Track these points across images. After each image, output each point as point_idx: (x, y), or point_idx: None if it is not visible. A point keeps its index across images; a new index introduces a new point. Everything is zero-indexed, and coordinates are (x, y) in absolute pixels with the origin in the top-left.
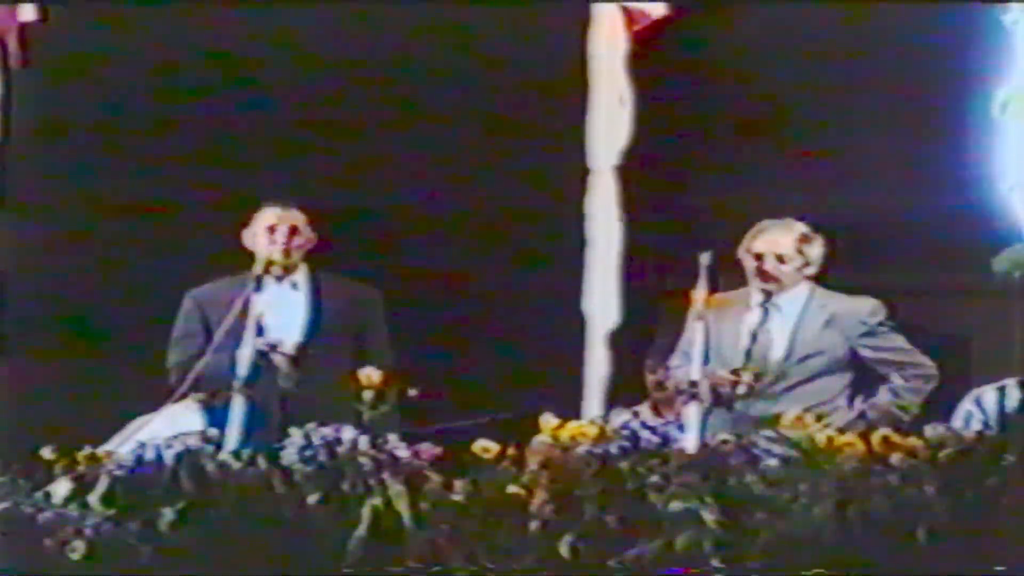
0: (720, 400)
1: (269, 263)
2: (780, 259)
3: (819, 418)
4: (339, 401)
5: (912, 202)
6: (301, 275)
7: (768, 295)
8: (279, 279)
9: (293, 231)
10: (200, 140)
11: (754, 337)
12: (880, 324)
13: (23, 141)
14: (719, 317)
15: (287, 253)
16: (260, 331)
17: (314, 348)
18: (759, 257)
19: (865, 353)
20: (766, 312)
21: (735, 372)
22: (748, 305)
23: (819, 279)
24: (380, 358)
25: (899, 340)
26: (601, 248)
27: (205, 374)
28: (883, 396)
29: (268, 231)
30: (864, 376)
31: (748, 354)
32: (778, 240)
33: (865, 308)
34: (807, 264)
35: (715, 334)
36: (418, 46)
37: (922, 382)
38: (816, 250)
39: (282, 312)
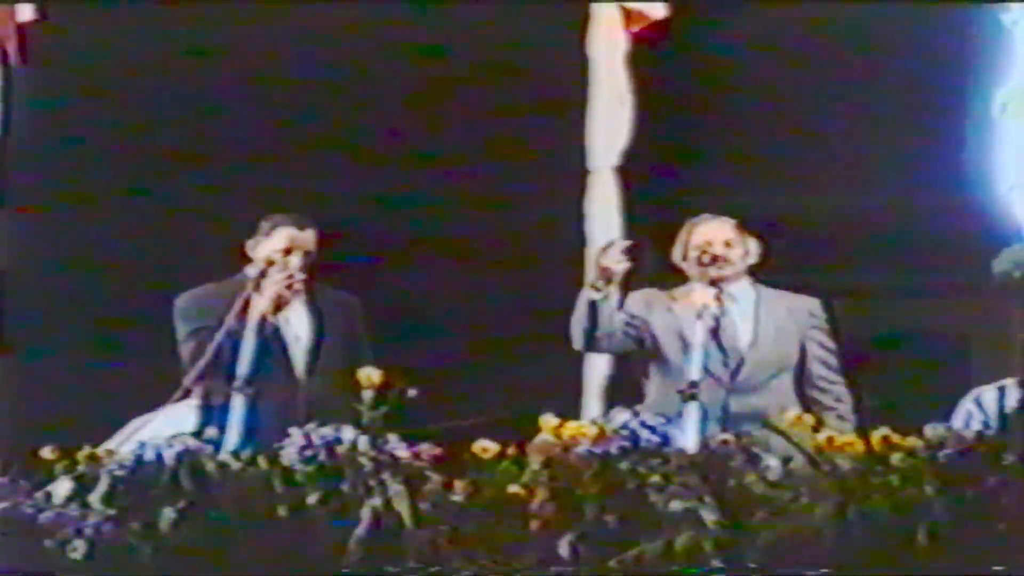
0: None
1: (269, 263)
2: (727, 244)
3: (818, 418)
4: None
5: (912, 202)
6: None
7: (718, 286)
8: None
9: (305, 254)
10: (201, 139)
11: (717, 326)
12: (826, 321)
13: (23, 141)
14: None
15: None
16: (275, 332)
17: (326, 351)
18: (707, 245)
19: (810, 347)
20: (721, 303)
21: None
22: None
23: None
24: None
25: (832, 347)
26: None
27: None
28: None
29: (283, 252)
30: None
31: (719, 344)
32: (720, 228)
33: (812, 302)
34: (747, 253)
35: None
36: (417, 46)
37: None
38: (752, 242)
39: (293, 318)
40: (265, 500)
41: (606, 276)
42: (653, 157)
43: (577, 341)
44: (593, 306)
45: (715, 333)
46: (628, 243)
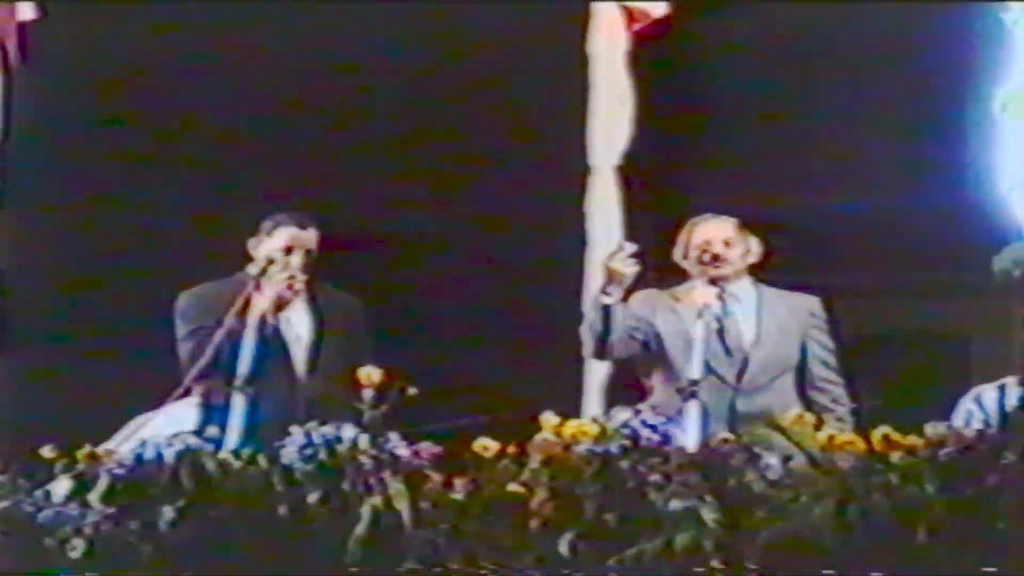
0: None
1: (270, 262)
2: (727, 243)
3: (819, 417)
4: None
5: (912, 202)
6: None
7: (719, 285)
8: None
9: (307, 254)
10: (201, 139)
11: (721, 326)
12: (826, 321)
13: (23, 141)
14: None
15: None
16: (275, 331)
17: (326, 350)
18: (707, 244)
19: (811, 347)
20: (723, 302)
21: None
22: (694, 299)
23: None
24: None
25: (832, 347)
26: (601, 248)
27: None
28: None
29: (284, 251)
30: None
31: (724, 344)
32: (720, 227)
33: (813, 302)
34: (748, 252)
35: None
36: (416, 46)
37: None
38: (754, 241)
39: (294, 317)
40: (265, 499)
41: (616, 280)
42: (653, 157)
43: (588, 348)
44: (607, 310)
45: (720, 334)
46: (637, 247)
